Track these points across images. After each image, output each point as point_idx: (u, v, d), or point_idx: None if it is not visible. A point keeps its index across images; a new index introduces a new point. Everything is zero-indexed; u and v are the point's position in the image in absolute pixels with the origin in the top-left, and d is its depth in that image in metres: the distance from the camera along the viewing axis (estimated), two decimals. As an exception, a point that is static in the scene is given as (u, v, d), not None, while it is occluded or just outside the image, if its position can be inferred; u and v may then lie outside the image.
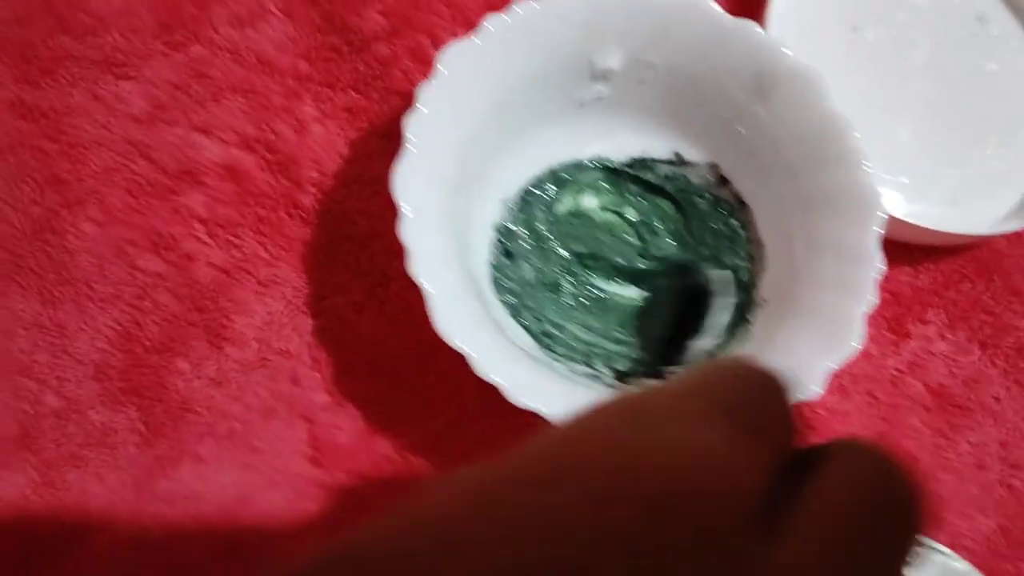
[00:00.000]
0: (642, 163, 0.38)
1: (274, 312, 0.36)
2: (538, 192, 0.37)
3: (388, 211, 0.36)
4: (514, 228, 0.36)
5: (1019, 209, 0.40)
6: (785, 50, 0.33)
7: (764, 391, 0.17)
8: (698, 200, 0.37)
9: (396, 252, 0.36)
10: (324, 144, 0.38)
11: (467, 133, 0.33)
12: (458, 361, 0.29)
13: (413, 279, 0.30)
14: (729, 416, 0.15)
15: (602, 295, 0.37)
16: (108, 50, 0.38)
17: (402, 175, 0.31)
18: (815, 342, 0.31)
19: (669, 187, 0.38)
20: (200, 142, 0.38)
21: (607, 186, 0.38)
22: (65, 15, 0.38)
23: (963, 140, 0.41)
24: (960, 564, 0.30)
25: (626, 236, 0.38)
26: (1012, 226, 0.38)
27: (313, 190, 0.38)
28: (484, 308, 0.33)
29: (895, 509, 0.15)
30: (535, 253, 0.37)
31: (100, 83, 0.38)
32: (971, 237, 0.38)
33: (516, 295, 0.36)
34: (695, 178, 0.37)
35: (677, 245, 0.38)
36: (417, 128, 0.31)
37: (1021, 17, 0.43)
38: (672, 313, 0.37)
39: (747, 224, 0.37)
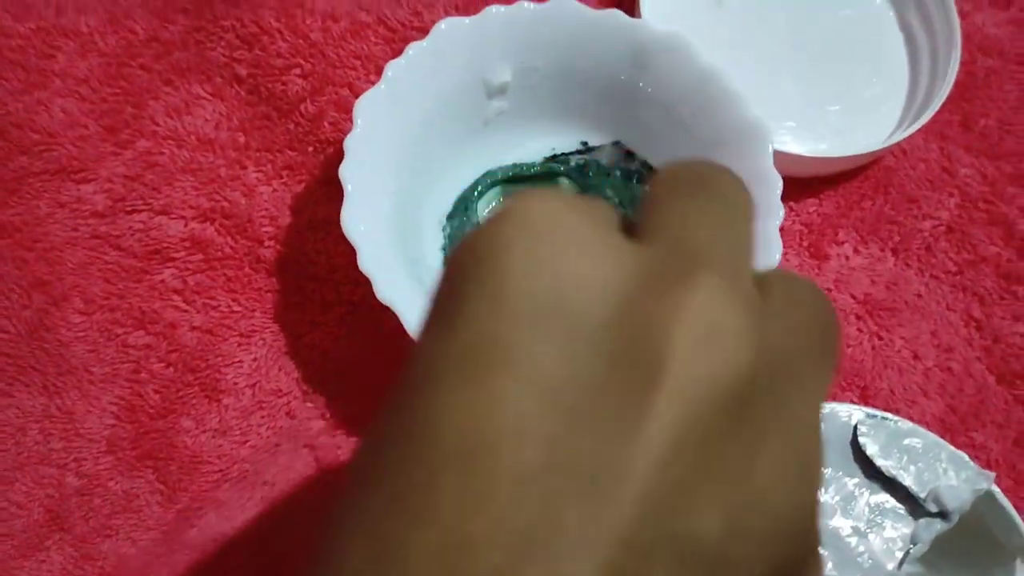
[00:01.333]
0: (553, 159, 0.42)
1: (259, 358, 0.40)
2: (465, 205, 0.41)
3: (340, 247, 0.41)
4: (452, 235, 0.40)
5: (897, 127, 0.45)
6: (649, 25, 0.38)
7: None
8: (612, 178, 0.42)
9: (357, 281, 0.40)
10: (273, 201, 0.42)
11: (393, 170, 0.37)
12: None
13: (381, 302, 0.33)
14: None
15: None
16: (64, 160, 0.42)
17: (348, 216, 0.34)
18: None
19: (576, 173, 0.42)
20: (162, 223, 0.41)
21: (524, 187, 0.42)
22: (17, 137, 0.42)
23: (836, 79, 0.46)
24: (905, 424, 0.33)
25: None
26: (895, 140, 0.43)
27: (271, 243, 0.41)
28: None
29: (830, 319, 0.18)
30: None
31: (62, 190, 0.41)
32: (860, 157, 0.43)
33: None
34: (604, 159, 0.42)
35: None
36: (350, 174, 0.35)
37: (860, -36, 0.48)
38: None
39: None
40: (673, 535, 0.14)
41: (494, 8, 0.38)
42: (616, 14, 0.38)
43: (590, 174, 0.42)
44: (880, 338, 0.43)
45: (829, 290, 0.43)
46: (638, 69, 0.38)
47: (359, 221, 0.34)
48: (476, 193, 0.41)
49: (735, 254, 0.17)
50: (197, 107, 0.43)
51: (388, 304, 0.33)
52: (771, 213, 0.35)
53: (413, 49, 0.37)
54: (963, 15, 0.48)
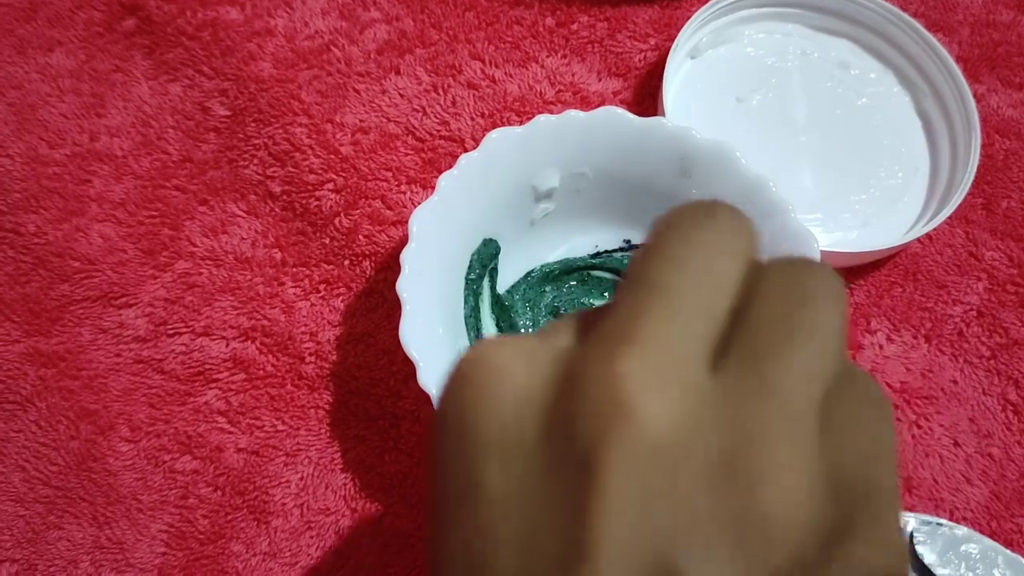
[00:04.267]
0: (597, 255, 0.43)
1: (306, 477, 0.40)
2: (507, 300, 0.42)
3: (381, 360, 0.41)
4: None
5: (922, 214, 0.46)
6: (695, 133, 0.39)
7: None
8: None
9: (399, 394, 0.40)
10: (312, 317, 0.43)
11: (447, 277, 0.38)
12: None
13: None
14: None
15: None
16: (104, 286, 0.42)
17: (407, 332, 0.34)
18: None
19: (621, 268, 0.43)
20: (203, 344, 0.42)
21: (573, 282, 0.43)
22: (58, 266, 0.42)
23: (858, 169, 0.47)
24: (960, 531, 0.34)
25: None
26: (920, 231, 0.44)
27: (312, 359, 0.42)
28: None
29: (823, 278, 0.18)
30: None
31: (104, 317, 0.42)
32: (889, 249, 0.43)
33: None
34: None
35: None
36: (408, 288, 0.35)
37: (874, 55, 0.50)
38: None
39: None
40: None
41: (543, 117, 0.38)
42: (662, 123, 0.39)
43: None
44: (919, 427, 0.43)
45: (866, 380, 0.43)
46: (684, 176, 0.39)
47: (417, 336, 0.35)
48: (517, 291, 0.42)
49: (811, 386, 0.17)
50: (233, 225, 0.44)
51: None
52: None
53: (465, 159, 0.38)
54: (978, 98, 0.49)
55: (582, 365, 0.16)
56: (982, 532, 0.41)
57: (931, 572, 0.33)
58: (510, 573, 0.16)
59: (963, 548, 0.33)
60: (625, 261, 0.43)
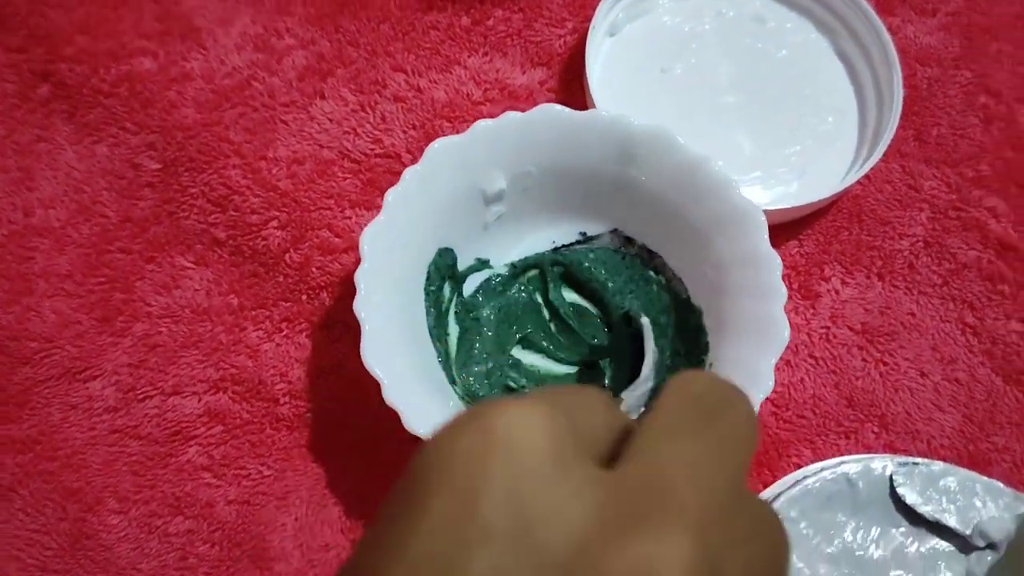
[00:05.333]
0: (556, 251, 0.43)
1: (300, 517, 0.40)
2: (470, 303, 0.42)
3: (352, 390, 0.41)
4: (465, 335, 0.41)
5: (857, 156, 0.47)
6: (632, 120, 0.39)
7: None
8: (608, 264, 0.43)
9: (376, 418, 0.40)
10: (279, 357, 0.43)
11: (404, 291, 0.38)
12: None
13: (409, 432, 0.34)
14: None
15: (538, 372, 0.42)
16: (66, 362, 0.42)
17: (368, 351, 0.35)
18: (754, 348, 0.36)
19: (585, 262, 0.43)
20: (175, 403, 0.42)
21: (534, 277, 0.44)
22: (15, 349, 0.42)
23: (789, 121, 0.47)
24: (937, 466, 0.35)
25: (556, 321, 0.43)
26: (858, 174, 0.44)
27: (286, 400, 0.42)
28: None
29: (783, 558, 0.18)
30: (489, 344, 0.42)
31: (71, 393, 0.42)
32: (829, 197, 0.44)
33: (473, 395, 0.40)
34: (602, 245, 0.43)
35: (606, 309, 0.43)
36: (365, 307, 0.35)
37: (787, 4, 0.50)
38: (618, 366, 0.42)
39: (661, 267, 0.42)
40: None
41: (481, 123, 0.39)
42: (598, 114, 0.39)
43: (587, 266, 0.43)
44: (885, 363, 0.44)
45: (827, 327, 0.44)
46: (626, 162, 0.39)
47: (379, 354, 0.35)
48: (480, 294, 0.43)
49: (715, 496, 0.16)
50: (184, 279, 0.44)
51: (417, 435, 0.34)
52: (774, 295, 0.36)
53: (409, 173, 0.38)
54: (894, 30, 0.50)
55: (644, 521, 0.15)
56: (959, 456, 0.42)
57: (915, 512, 0.34)
58: None
59: (941, 483, 0.34)
60: (583, 258, 0.43)
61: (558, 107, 0.39)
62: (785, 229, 0.46)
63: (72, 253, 0.44)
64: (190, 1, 0.50)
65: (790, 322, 0.36)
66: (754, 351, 0.36)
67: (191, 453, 0.41)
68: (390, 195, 0.37)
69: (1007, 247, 0.46)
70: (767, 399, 0.41)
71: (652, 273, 0.42)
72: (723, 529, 0.16)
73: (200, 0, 0.50)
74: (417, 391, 0.36)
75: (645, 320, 0.41)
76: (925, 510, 0.34)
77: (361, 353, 0.35)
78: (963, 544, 0.34)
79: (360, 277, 0.36)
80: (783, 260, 0.44)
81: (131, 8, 0.49)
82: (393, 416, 0.36)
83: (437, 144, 0.38)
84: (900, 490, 0.34)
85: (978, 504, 0.34)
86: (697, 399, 0.18)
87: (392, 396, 0.34)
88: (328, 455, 0.41)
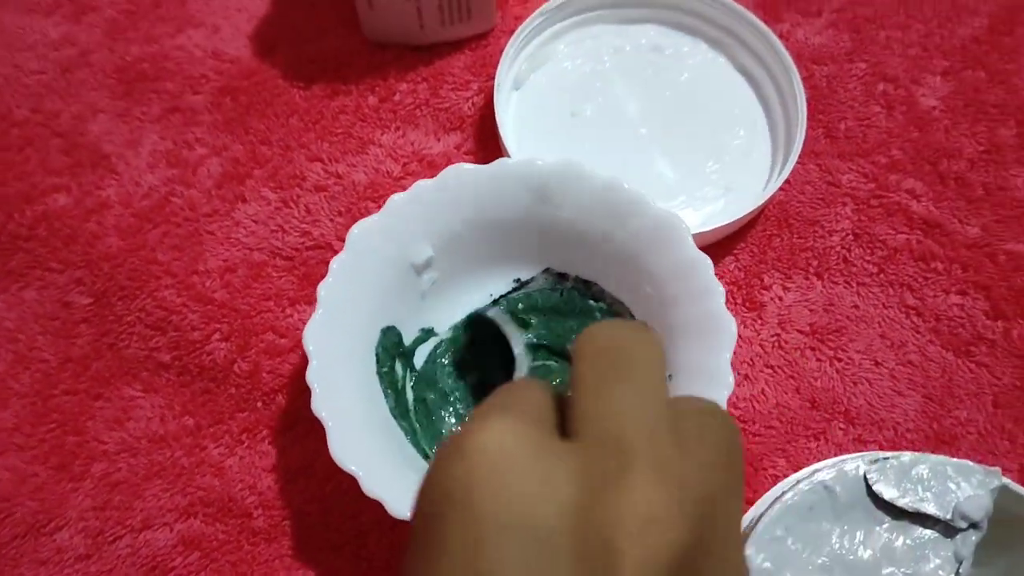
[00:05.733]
0: (495, 303, 0.43)
1: (295, 628, 0.40)
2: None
3: (328, 487, 0.41)
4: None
5: (774, 163, 0.48)
6: (538, 161, 0.40)
7: None
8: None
9: (355, 514, 0.40)
10: (244, 470, 0.42)
11: (361, 380, 0.38)
12: None
13: (394, 518, 0.33)
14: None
15: None
16: (28, 518, 0.41)
17: (337, 448, 0.34)
18: (705, 349, 0.37)
19: (521, 305, 0.43)
20: (148, 538, 0.41)
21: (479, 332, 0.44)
22: (-26, 514, 0.41)
23: (703, 142, 0.48)
24: (906, 456, 0.35)
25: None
26: (778, 181, 0.45)
27: (259, 512, 0.41)
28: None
29: (735, 444, 0.21)
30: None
31: (38, 548, 0.40)
32: (755, 209, 0.45)
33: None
34: (538, 287, 0.43)
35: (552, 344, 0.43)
36: (323, 404, 0.35)
37: (680, 29, 0.51)
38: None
39: (600, 295, 0.42)
40: None
41: (395, 197, 0.39)
42: (506, 162, 0.40)
43: (521, 311, 0.43)
44: (839, 359, 0.45)
45: (777, 335, 0.45)
46: (542, 201, 0.40)
47: (349, 449, 0.35)
48: (431, 362, 0.43)
49: (655, 428, 0.19)
50: (135, 409, 0.43)
51: (405, 519, 0.34)
52: (712, 294, 0.37)
53: (336, 263, 0.38)
54: (785, 36, 0.52)
55: (615, 480, 0.18)
56: (926, 436, 0.43)
57: (895, 506, 0.34)
58: None
59: (914, 472, 0.35)
60: (520, 301, 0.43)
61: (465, 165, 0.40)
62: (719, 247, 0.46)
63: (16, 405, 0.43)
64: (94, 129, 0.50)
65: (740, 335, 0.37)
66: (706, 352, 0.37)
67: (172, 585, 0.40)
68: (322, 289, 0.38)
69: (932, 225, 0.47)
70: (734, 414, 0.42)
71: (592, 302, 0.43)
72: (675, 450, 0.19)
73: (104, 126, 0.50)
74: (395, 475, 0.35)
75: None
76: (904, 503, 0.34)
77: (331, 452, 0.34)
78: (946, 528, 0.34)
79: (312, 377, 0.36)
80: (723, 275, 0.45)
81: (36, 147, 0.49)
82: (374, 506, 0.36)
83: (356, 229, 0.39)
84: (876, 487, 0.34)
85: (952, 487, 0.34)
86: (602, 352, 0.21)
87: (371, 487, 0.34)
88: (313, 559, 0.41)
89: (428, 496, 0.19)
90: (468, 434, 0.19)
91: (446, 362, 0.43)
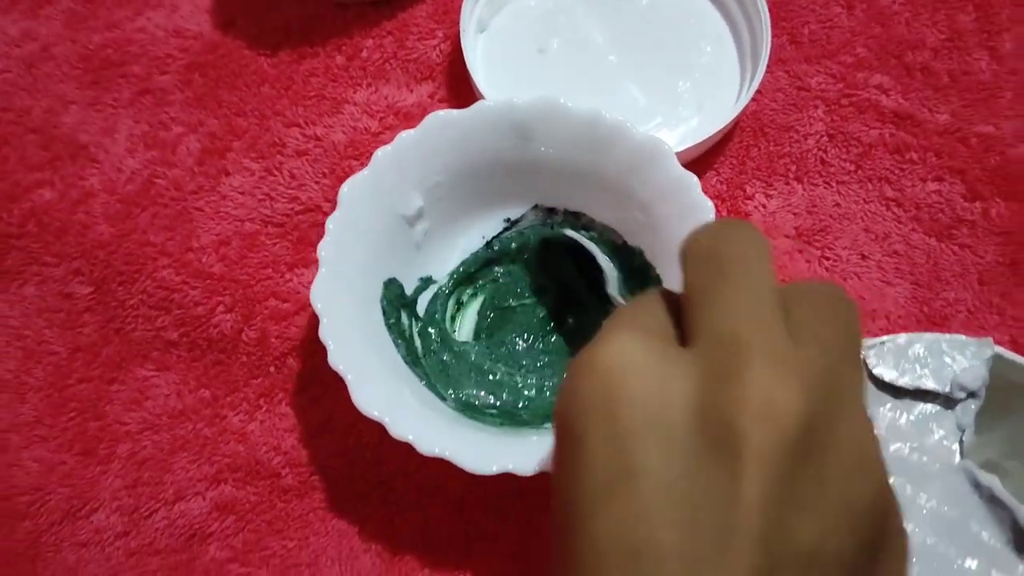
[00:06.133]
0: (489, 246, 0.44)
1: (337, 575, 0.41)
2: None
3: (350, 439, 0.42)
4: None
5: (743, 75, 0.48)
6: (515, 100, 0.40)
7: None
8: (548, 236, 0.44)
9: (379, 460, 0.41)
10: (267, 433, 0.43)
11: (372, 334, 0.39)
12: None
13: (424, 455, 0.34)
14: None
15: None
16: (63, 504, 0.42)
17: (363, 398, 0.35)
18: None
19: (515, 244, 0.44)
20: (183, 509, 0.42)
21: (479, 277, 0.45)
22: (7, 507, 0.42)
23: (671, 61, 0.49)
24: (902, 338, 0.37)
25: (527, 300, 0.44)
26: (749, 92, 0.46)
27: (287, 470, 0.42)
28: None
29: (852, 317, 0.23)
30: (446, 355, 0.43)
31: (77, 532, 0.41)
32: (730, 123, 0.46)
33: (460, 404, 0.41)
34: (528, 223, 0.44)
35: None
36: (340, 357, 0.36)
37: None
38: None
39: (590, 224, 0.43)
40: (783, 555, 0.19)
41: (380, 151, 0.40)
42: (484, 104, 0.40)
43: (525, 257, 0.44)
44: (827, 258, 0.46)
45: (766, 241, 0.46)
46: (524, 140, 0.41)
47: (371, 398, 0.36)
48: (434, 309, 0.44)
49: (767, 321, 0.21)
50: (151, 388, 0.44)
51: (438, 457, 0.35)
52: (701, 210, 0.38)
53: (331, 223, 0.39)
54: (740, -51, 0.52)
55: (733, 372, 0.20)
56: (918, 320, 0.44)
57: (895, 386, 0.36)
58: (675, 549, 0.19)
59: (910, 352, 0.36)
60: (513, 240, 0.44)
61: (444, 112, 0.40)
62: (699, 163, 0.47)
63: (34, 399, 0.44)
64: (68, 121, 0.50)
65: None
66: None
67: (212, 551, 0.41)
68: (322, 249, 0.38)
69: (903, 116, 0.48)
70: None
71: (581, 229, 0.44)
72: (789, 338, 0.21)
73: (77, 117, 0.50)
74: (418, 417, 0.37)
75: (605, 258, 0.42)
76: (903, 382, 0.36)
77: (355, 402, 0.35)
78: (946, 401, 0.36)
79: (324, 334, 0.37)
80: (705, 192, 0.46)
81: (13, 145, 0.49)
82: (396, 453, 0.37)
83: (346, 187, 0.39)
84: (876, 371, 0.36)
85: (948, 361, 0.36)
86: (706, 258, 0.23)
87: (399, 431, 0.35)
88: (344, 509, 0.42)
89: (569, 410, 0.22)
90: (599, 350, 0.22)
91: (449, 307, 0.44)
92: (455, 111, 0.40)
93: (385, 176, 0.40)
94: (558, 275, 0.45)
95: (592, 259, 0.42)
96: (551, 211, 0.44)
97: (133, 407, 0.44)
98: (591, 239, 0.44)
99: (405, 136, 0.40)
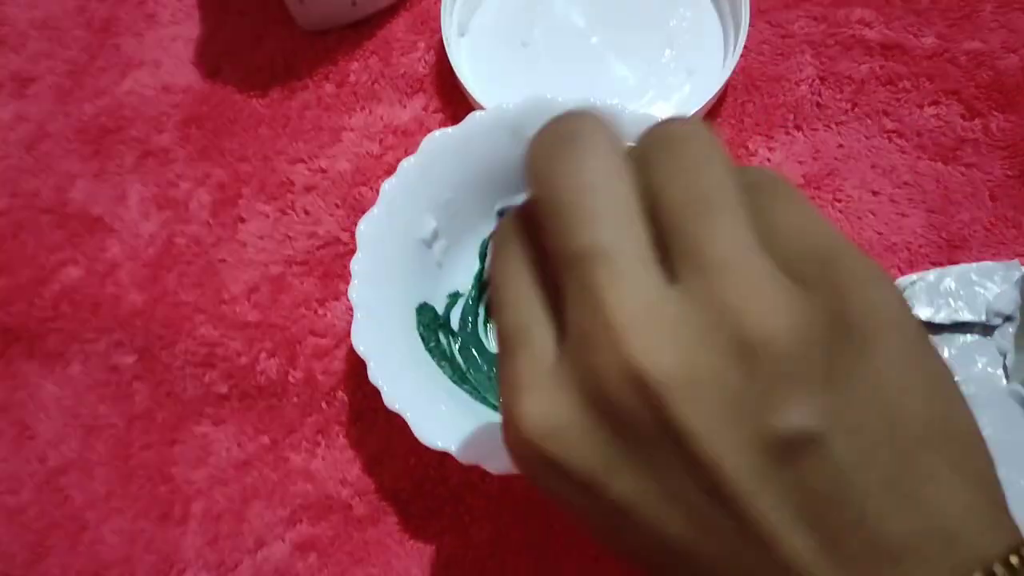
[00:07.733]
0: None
1: None
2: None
3: (411, 461, 0.43)
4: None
5: (727, 35, 0.49)
6: (504, 105, 0.41)
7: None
8: None
9: (444, 479, 0.42)
10: (331, 467, 0.44)
11: (417, 362, 0.40)
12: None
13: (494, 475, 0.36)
14: None
15: None
16: (150, 571, 0.43)
17: (425, 432, 0.37)
18: None
19: None
20: (265, 556, 0.43)
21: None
22: (101, 582, 0.43)
23: (653, 32, 0.49)
24: (932, 275, 0.38)
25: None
26: (736, 51, 0.46)
27: (357, 500, 0.44)
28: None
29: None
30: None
31: (170, 594, 0.43)
32: (723, 84, 0.46)
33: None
34: None
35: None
36: (394, 396, 0.37)
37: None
38: None
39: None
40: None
41: (386, 184, 0.40)
42: (476, 116, 0.41)
43: None
44: (839, 200, 0.47)
45: (777, 195, 0.47)
46: (523, 141, 0.41)
47: (434, 430, 0.37)
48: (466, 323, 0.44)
49: (737, 228, 0.21)
50: (212, 443, 0.45)
51: (508, 474, 0.36)
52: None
53: (356, 264, 0.39)
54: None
55: (722, 309, 0.20)
56: (939, 247, 0.45)
57: (932, 323, 0.37)
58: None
59: (942, 287, 0.37)
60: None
61: (439, 132, 0.41)
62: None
63: (101, 474, 0.45)
64: (78, 196, 0.50)
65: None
66: None
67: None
68: (352, 292, 0.39)
69: (890, 47, 0.49)
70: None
71: None
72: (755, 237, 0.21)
73: (86, 190, 0.50)
74: (480, 439, 0.38)
75: None
76: (940, 318, 0.37)
77: (419, 439, 0.36)
78: (984, 329, 0.37)
79: (375, 377, 0.37)
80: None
81: (29, 230, 0.50)
82: (460, 466, 0.38)
83: (362, 225, 0.40)
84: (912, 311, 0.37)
85: (980, 290, 0.37)
86: (669, 155, 0.22)
87: (466, 457, 0.36)
88: (418, 528, 0.43)
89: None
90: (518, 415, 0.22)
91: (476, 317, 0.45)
92: (450, 129, 0.41)
93: (396, 206, 0.41)
94: None
95: None
96: None
97: (198, 465, 0.45)
98: None
99: (407, 164, 0.41)
